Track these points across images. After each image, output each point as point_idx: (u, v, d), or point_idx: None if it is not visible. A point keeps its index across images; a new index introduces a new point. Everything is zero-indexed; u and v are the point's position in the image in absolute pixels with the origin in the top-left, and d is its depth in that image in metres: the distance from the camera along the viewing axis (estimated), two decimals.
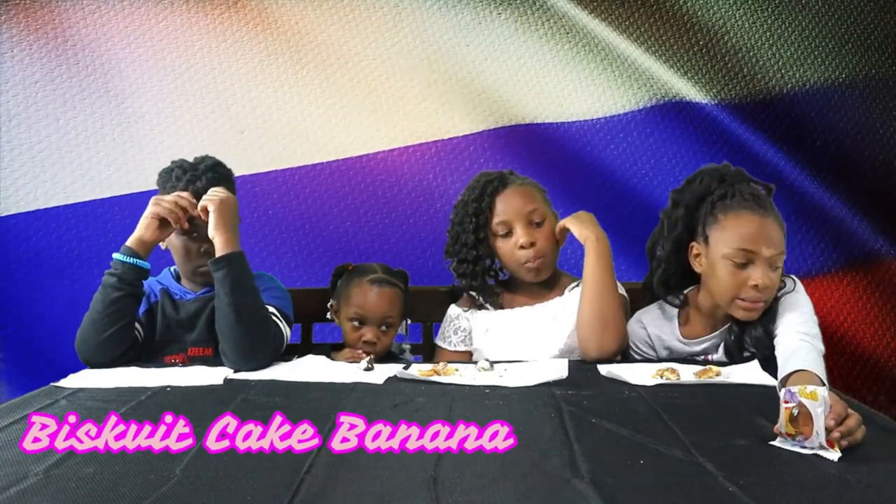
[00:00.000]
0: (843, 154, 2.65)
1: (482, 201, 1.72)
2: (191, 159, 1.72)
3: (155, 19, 2.60)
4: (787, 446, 1.02)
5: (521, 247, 1.69)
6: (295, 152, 2.61)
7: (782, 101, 2.66)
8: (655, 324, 1.65)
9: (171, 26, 2.60)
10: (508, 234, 1.71)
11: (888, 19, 2.68)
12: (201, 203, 1.59)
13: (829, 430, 1.00)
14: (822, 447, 0.99)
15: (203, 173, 1.67)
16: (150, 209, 1.60)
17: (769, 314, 1.50)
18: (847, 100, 2.66)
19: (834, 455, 0.98)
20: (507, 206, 1.71)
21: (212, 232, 1.57)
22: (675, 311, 1.64)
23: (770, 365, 1.41)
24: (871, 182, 2.65)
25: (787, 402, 1.03)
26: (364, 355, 1.60)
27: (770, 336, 1.47)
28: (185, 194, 1.62)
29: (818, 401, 1.02)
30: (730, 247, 1.49)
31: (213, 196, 1.60)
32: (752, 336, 1.52)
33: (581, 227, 1.66)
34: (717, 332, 1.58)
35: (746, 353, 1.53)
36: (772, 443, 1.02)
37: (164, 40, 2.60)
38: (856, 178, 2.65)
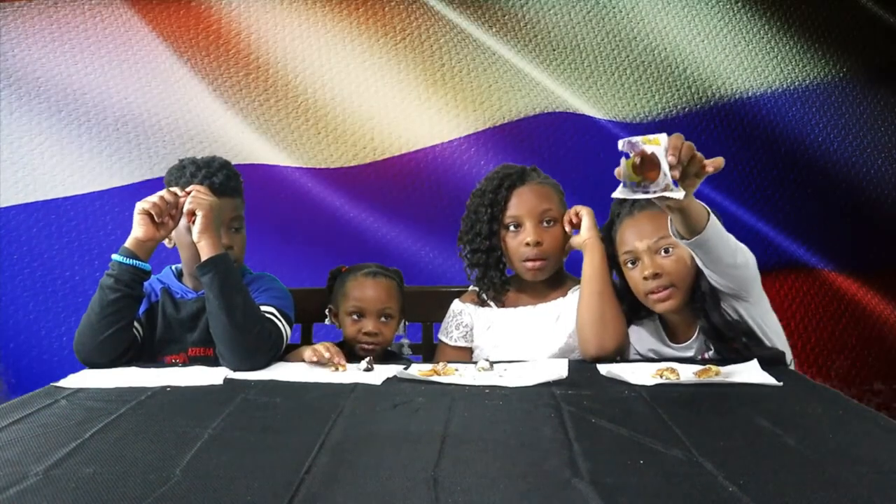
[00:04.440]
0: (776, 161, 2.67)
1: (499, 193, 1.73)
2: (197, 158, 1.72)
3: (157, 19, 2.60)
4: (631, 195, 1.08)
5: (527, 244, 1.69)
6: (292, 154, 2.61)
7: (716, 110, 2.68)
8: (643, 341, 1.67)
9: (172, 25, 2.61)
10: (518, 229, 1.71)
11: (826, 28, 2.69)
12: (188, 206, 1.57)
13: (672, 167, 1.06)
14: (667, 188, 1.04)
15: (218, 170, 1.67)
16: (137, 208, 1.59)
17: (716, 299, 1.53)
18: (784, 106, 2.68)
19: (679, 193, 1.04)
20: (521, 202, 1.72)
21: (197, 235, 1.56)
22: (657, 322, 1.65)
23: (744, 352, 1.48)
24: (805, 191, 2.67)
25: (628, 152, 1.09)
26: (326, 354, 1.54)
27: (727, 317, 1.52)
28: (174, 189, 1.61)
29: (661, 145, 1.07)
30: (620, 252, 1.60)
31: (202, 200, 1.58)
32: (718, 324, 1.53)
33: (589, 226, 1.66)
34: (697, 331, 1.59)
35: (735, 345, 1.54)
36: (614, 194, 1.08)
37: (164, 39, 2.60)
38: (793, 185, 2.67)
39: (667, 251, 1.53)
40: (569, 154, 2.60)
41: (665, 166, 1.08)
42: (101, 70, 2.58)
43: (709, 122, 2.67)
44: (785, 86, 2.68)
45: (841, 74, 2.69)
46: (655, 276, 1.53)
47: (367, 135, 2.63)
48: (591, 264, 1.63)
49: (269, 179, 2.59)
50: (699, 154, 1.16)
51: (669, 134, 1.12)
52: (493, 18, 2.63)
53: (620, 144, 1.09)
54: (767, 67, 2.68)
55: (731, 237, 1.42)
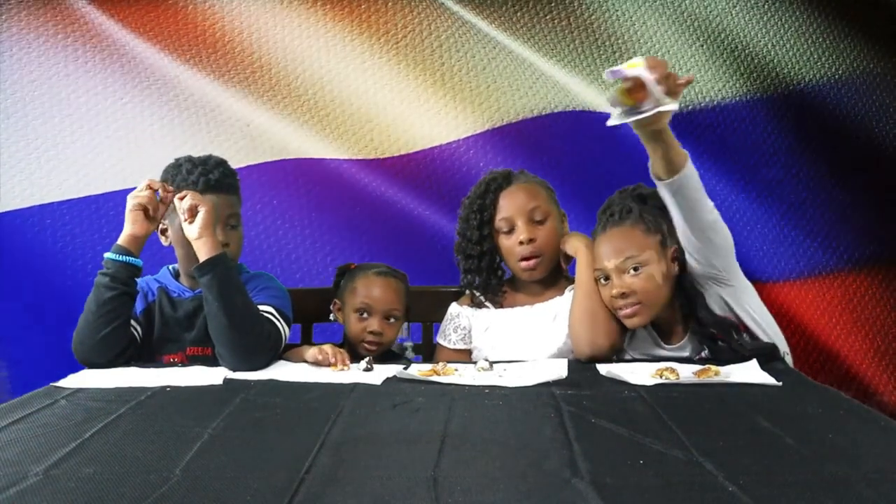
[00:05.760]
0: (838, 152, 2.64)
1: (486, 198, 1.75)
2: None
3: (155, 19, 2.60)
4: (625, 120, 1.21)
5: (521, 242, 1.70)
6: (284, 147, 2.60)
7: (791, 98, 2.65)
8: (637, 346, 1.67)
9: (170, 25, 2.60)
10: (511, 231, 1.72)
11: (882, 15, 2.67)
12: (189, 203, 1.56)
13: (659, 83, 1.20)
14: (658, 102, 1.17)
15: (214, 167, 1.67)
16: (130, 203, 1.59)
17: (700, 297, 1.56)
18: (839, 96, 2.66)
19: (674, 104, 1.18)
20: (509, 203, 1.73)
21: (198, 233, 1.55)
22: (648, 326, 1.65)
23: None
24: (868, 182, 2.64)
25: (615, 81, 1.22)
26: (332, 359, 1.55)
27: (715, 315, 1.55)
28: (157, 183, 1.61)
29: (641, 64, 1.20)
30: (594, 268, 1.62)
31: (203, 197, 1.58)
32: (707, 321, 1.55)
33: (574, 241, 1.70)
34: (688, 332, 1.61)
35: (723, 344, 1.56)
36: (609, 122, 1.21)
37: (163, 38, 2.59)
38: (852, 176, 2.64)
39: (636, 269, 1.55)
40: (565, 157, 2.59)
41: (653, 84, 1.21)
42: (96, 73, 2.57)
43: (769, 110, 2.63)
44: (847, 75, 2.64)
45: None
46: (623, 295, 1.55)
47: (367, 136, 2.63)
48: (584, 266, 1.65)
49: (268, 176, 2.59)
50: (670, 71, 1.29)
51: None
52: (507, 14, 2.62)
53: (605, 75, 1.23)
54: (824, 56, 2.64)
55: (707, 197, 1.48)
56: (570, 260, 1.75)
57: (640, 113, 1.23)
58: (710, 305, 1.56)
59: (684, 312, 1.59)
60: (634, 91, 1.23)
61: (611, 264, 1.57)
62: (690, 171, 1.44)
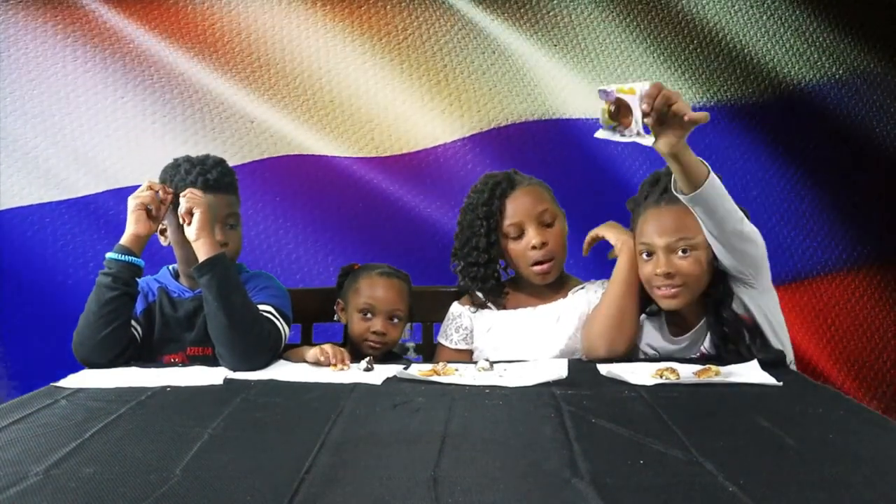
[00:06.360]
0: (837, 152, 2.64)
1: (492, 204, 1.71)
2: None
3: (157, 17, 2.60)
4: (609, 137, 1.21)
5: (534, 247, 1.68)
6: (287, 143, 2.60)
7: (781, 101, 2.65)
8: (643, 335, 1.66)
9: (172, 23, 2.60)
10: (520, 236, 1.70)
11: (882, 15, 2.67)
12: (186, 204, 1.57)
13: (645, 115, 1.18)
14: (639, 134, 1.17)
15: (212, 167, 1.67)
16: (133, 203, 1.60)
17: (730, 296, 1.54)
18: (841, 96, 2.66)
19: (649, 140, 1.17)
20: (517, 208, 1.70)
21: (195, 234, 1.56)
22: (662, 318, 1.65)
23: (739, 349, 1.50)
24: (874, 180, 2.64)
25: (604, 100, 1.21)
26: (333, 359, 1.55)
27: (736, 316, 1.53)
28: (157, 184, 1.62)
29: (636, 94, 1.19)
30: (638, 241, 1.58)
31: (199, 199, 1.58)
32: (727, 319, 1.53)
33: (618, 233, 1.65)
34: (699, 324, 1.59)
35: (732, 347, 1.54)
36: (596, 134, 1.21)
37: (161, 38, 2.59)
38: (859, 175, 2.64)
39: (685, 251, 1.52)
40: (564, 161, 2.60)
41: (637, 114, 1.20)
42: (96, 72, 2.57)
43: (768, 111, 2.62)
44: (847, 75, 2.64)
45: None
46: (668, 275, 1.52)
47: (368, 134, 2.63)
48: (626, 265, 1.61)
49: (270, 172, 2.59)
50: (680, 104, 1.25)
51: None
52: (510, 12, 2.62)
53: (598, 93, 1.22)
54: (824, 56, 2.63)
55: (736, 207, 1.44)
56: (591, 246, 1.70)
57: (620, 135, 1.24)
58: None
59: (707, 306, 1.56)
60: (621, 114, 1.22)
61: (661, 241, 1.53)
62: (710, 186, 1.37)
